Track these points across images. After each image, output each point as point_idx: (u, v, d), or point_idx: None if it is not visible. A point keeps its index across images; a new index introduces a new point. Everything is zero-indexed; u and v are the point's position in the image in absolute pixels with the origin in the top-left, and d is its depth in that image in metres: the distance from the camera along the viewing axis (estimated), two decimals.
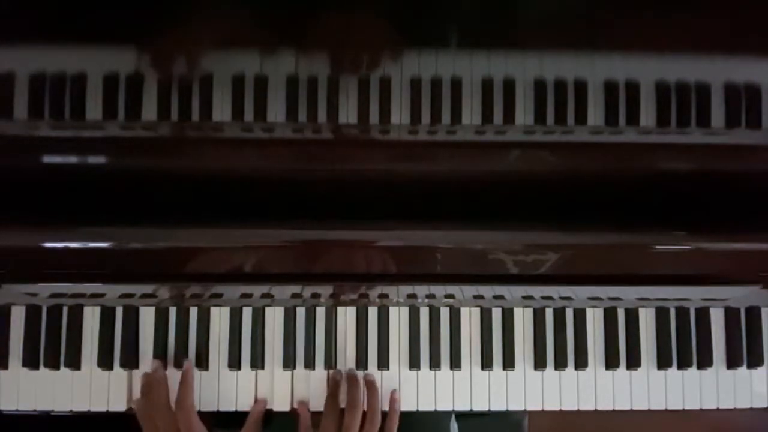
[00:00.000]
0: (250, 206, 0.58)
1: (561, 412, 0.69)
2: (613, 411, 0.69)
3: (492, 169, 0.58)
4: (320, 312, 0.69)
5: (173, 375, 0.67)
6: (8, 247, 0.53)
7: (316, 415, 0.67)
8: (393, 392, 0.68)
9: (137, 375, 0.67)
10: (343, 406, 0.66)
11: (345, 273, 0.55)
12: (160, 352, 0.67)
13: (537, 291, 0.63)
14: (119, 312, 0.68)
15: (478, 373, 0.69)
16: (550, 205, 0.58)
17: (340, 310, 0.69)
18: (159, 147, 0.57)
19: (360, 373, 0.68)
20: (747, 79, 0.55)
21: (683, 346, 0.69)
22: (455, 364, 0.68)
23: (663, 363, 0.69)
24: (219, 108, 0.55)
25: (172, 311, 0.68)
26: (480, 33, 0.54)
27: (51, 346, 0.67)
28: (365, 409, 0.66)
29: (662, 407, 0.69)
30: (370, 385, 0.67)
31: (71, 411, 0.67)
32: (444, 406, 0.69)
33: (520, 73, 0.55)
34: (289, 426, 0.68)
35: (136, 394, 0.67)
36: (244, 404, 0.68)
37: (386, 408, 0.67)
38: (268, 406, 0.68)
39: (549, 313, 0.69)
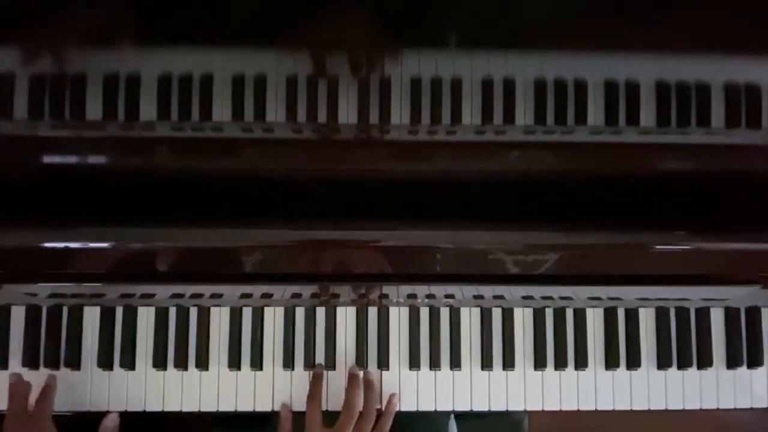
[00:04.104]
0: (250, 206, 0.58)
1: (561, 412, 0.69)
2: (613, 411, 0.69)
3: (492, 169, 0.58)
4: (320, 312, 0.69)
5: (173, 375, 0.68)
6: (8, 247, 0.53)
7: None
8: (392, 396, 0.68)
9: (135, 376, 0.67)
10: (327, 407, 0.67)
11: (345, 273, 0.55)
12: (160, 352, 0.67)
13: (537, 291, 0.63)
14: (119, 312, 0.68)
15: (478, 373, 0.69)
16: (550, 205, 0.58)
17: (340, 310, 0.69)
18: (159, 147, 0.57)
19: (360, 372, 0.68)
20: (747, 79, 0.55)
21: (683, 346, 0.69)
22: (455, 364, 0.68)
23: (663, 363, 0.69)
24: (219, 108, 0.55)
25: (172, 311, 0.68)
26: (480, 33, 0.54)
27: (51, 346, 0.67)
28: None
29: (662, 407, 0.69)
30: (369, 384, 0.67)
31: (71, 411, 0.67)
32: (444, 406, 0.69)
33: (520, 73, 0.55)
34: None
35: (134, 394, 0.67)
36: (244, 404, 0.68)
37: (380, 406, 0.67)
38: (267, 408, 0.68)
39: (549, 313, 0.69)
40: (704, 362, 0.69)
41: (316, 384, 0.67)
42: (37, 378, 0.67)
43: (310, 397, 0.66)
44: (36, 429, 0.62)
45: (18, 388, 0.64)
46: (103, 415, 0.66)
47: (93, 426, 0.66)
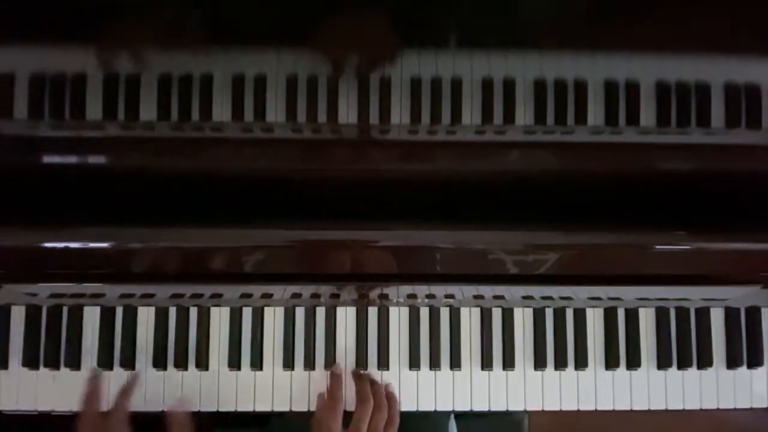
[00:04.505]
0: (250, 206, 0.57)
1: (561, 412, 0.69)
2: (613, 411, 0.69)
3: (492, 169, 0.58)
4: (320, 312, 0.69)
5: (173, 375, 0.68)
6: (8, 247, 0.53)
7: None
8: (388, 385, 0.68)
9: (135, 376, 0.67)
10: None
11: (345, 273, 0.55)
12: (160, 352, 0.67)
13: (537, 291, 0.63)
14: (119, 312, 0.68)
15: (478, 373, 0.69)
16: (550, 205, 0.58)
17: (340, 310, 0.69)
18: (159, 147, 0.57)
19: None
20: (747, 79, 0.55)
21: (683, 346, 0.69)
22: (455, 364, 0.68)
23: (663, 363, 0.69)
24: (219, 108, 0.55)
25: (172, 311, 0.68)
26: (480, 33, 0.54)
27: (51, 346, 0.67)
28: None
29: (662, 407, 0.69)
30: (372, 379, 0.67)
31: (71, 411, 0.67)
32: (444, 406, 0.69)
33: (520, 73, 0.55)
34: (288, 426, 0.68)
35: (135, 393, 0.67)
36: (244, 404, 0.68)
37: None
38: (267, 408, 0.68)
39: (549, 313, 0.69)
40: (704, 362, 0.69)
41: (337, 385, 0.66)
42: (37, 378, 0.67)
43: (330, 398, 0.66)
44: (110, 426, 0.62)
45: (92, 387, 0.64)
46: (103, 415, 0.66)
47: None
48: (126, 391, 0.64)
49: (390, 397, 0.67)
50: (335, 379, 0.66)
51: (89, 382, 0.64)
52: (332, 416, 0.64)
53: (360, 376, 0.67)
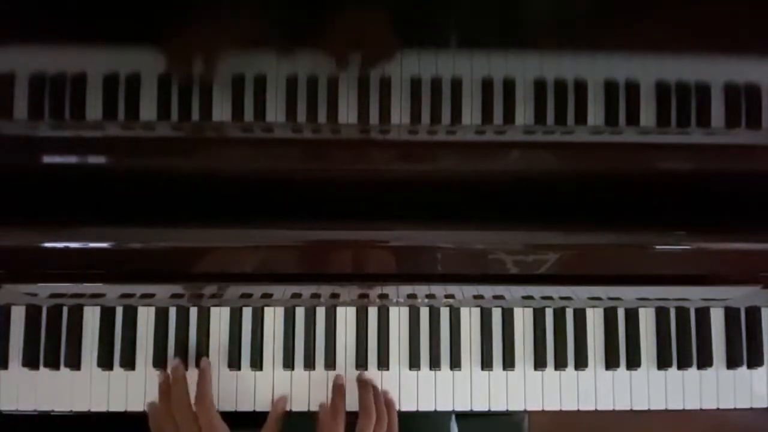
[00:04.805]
0: (250, 206, 0.57)
1: (561, 412, 0.69)
2: (613, 411, 0.69)
3: (492, 169, 0.58)
4: (320, 312, 0.69)
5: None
6: (8, 247, 0.53)
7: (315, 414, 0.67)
8: (386, 393, 0.68)
9: (135, 376, 0.67)
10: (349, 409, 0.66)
11: (345, 273, 0.55)
12: (160, 352, 0.67)
13: (537, 291, 0.63)
14: (119, 312, 0.68)
15: (478, 373, 0.69)
16: (550, 205, 0.58)
17: (340, 310, 0.69)
18: (159, 147, 0.57)
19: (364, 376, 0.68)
20: (747, 79, 0.55)
21: (683, 346, 0.69)
22: (455, 364, 0.68)
23: (663, 363, 0.69)
24: (219, 108, 0.55)
25: (172, 311, 0.68)
26: (480, 33, 0.54)
27: (51, 346, 0.67)
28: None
29: (662, 407, 0.69)
30: (375, 388, 0.67)
31: (71, 411, 0.67)
32: (444, 406, 0.69)
33: (520, 73, 0.55)
34: (289, 427, 0.68)
35: (135, 394, 0.67)
36: (244, 404, 0.68)
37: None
38: (267, 408, 0.68)
39: (549, 313, 0.69)
40: (704, 362, 0.69)
41: (339, 396, 0.66)
42: (37, 378, 0.67)
43: (333, 409, 0.65)
44: (204, 414, 0.62)
45: (179, 373, 0.64)
46: (103, 415, 0.66)
47: (94, 426, 0.66)
48: (204, 376, 0.65)
49: (389, 404, 0.67)
50: (337, 390, 0.66)
51: (174, 370, 0.65)
52: (335, 426, 0.64)
53: (364, 385, 0.67)
